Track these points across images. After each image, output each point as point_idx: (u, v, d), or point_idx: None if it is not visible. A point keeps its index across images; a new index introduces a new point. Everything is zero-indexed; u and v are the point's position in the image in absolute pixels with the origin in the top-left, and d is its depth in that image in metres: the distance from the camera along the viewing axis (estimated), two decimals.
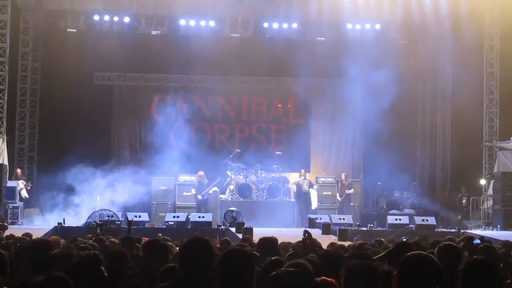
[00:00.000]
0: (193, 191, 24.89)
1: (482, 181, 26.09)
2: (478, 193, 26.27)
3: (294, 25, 27.11)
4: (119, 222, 21.33)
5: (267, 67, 27.80)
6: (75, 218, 22.79)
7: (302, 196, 25.63)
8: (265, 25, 27.12)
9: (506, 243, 10.76)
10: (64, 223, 21.06)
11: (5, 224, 19.63)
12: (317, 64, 27.01)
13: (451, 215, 26.86)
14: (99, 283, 5.38)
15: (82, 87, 26.91)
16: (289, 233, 17.47)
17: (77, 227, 20.80)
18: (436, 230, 22.42)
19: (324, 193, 26.07)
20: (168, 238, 11.90)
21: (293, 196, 26.14)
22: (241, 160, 26.31)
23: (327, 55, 27.04)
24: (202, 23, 26.76)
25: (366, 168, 28.54)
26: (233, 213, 23.30)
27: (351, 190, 25.96)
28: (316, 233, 16.46)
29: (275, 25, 27.02)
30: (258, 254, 6.79)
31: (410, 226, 23.20)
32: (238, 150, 26.52)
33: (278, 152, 27.37)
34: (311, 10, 26.47)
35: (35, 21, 26.62)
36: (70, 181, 24.25)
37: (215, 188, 25.19)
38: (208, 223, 22.52)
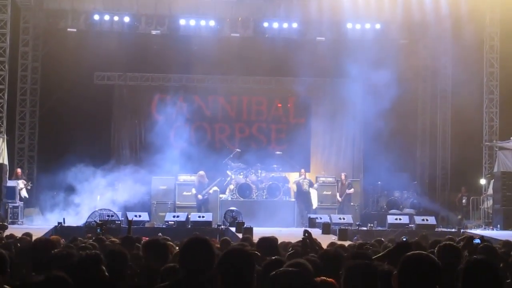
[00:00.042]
0: (194, 191, 24.88)
1: (482, 181, 26.09)
2: (478, 192, 26.27)
3: (294, 25, 27.10)
4: (119, 222, 21.35)
5: (267, 67, 27.80)
6: (76, 218, 22.79)
7: (302, 196, 25.63)
8: (265, 24, 27.12)
9: (506, 243, 10.76)
10: (64, 222, 21.07)
11: (5, 223, 19.67)
12: (317, 63, 27.01)
13: (451, 215, 26.86)
14: (100, 282, 5.38)
15: (82, 87, 26.90)
16: (289, 233, 17.46)
17: (77, 227, 20.81)
18: (436, 229, 22.42)
19: (324, 192, 26.07)
20: (168, 237, 11.89)
21: (293, 196, 26.14)
22: (241, 159, 26.30)
23: (327, 55, 27.07)
24: (202, 22, 26.75)
25: (366, 168, 28.53)
26: (233, 213, 23.30)
27: (352, 190, 25.95)
28: (316, 232, 16.44)
29: (275, 25, 27.02)
30: (259, 254, 6.78)
31: (410, 225, 23.20)
32: (238, 149, 26.52)
33: (278, 152, 27.36)
34: (311, 9, 26.47)
35: (35, 21, 26.62)
36: (70, 181, 24.26)
37: (215, 188, 25.19)
38: (208, 223, 22.52)
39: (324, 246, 9.25)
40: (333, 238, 18.49)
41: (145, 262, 6.77)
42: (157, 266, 6.38)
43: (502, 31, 25.55)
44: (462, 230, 22.05)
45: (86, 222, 21.23)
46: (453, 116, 28.06)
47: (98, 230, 13.99)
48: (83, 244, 9.02)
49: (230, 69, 27.61)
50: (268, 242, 8.06)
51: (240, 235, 17.90)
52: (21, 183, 23.95)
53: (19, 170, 24.83)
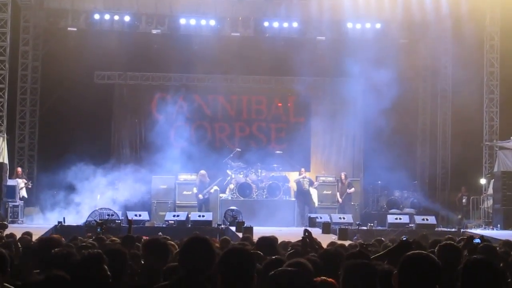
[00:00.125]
0: (195, 190, 24.87)
1: (482, 181, 26.08)
2: (478, 192, 26.26)
3: (295, 24, 27.10)
4: (119, 221, 21.36)
5: (268, 66, 27.81)
6: (76, 217, 22.80)
7: (303, 195, 25.63)
8: (266, 24, 27.12)
9: (506, 243, 10.75)
10: (64, 222, 21.07)
11: (5, 222, 19.67)
12: (318, 63, 27.03)
13: (451, 215, 26.86)
14: (102, 281, 5.38)
15: (82, 86, 26.89)
16: (289, 232, 17.48)
17: (77, 226, 20.83)
18: (436, 229, 22.43)
19: (324, 192, 26.07)
20: (168, 237, 11.89)
21: (293, 195, 26.15)
22: (242, 159, 26.30)
23: (328, 54, 27.10)
24: (203, 22, 26.75)
25: (366, 167, 28.54)
26: (233, 212, 23.30)
27: (352, 189, 25.94)
28: (316, 232, 16.45)
29: (276, 24, 27.02)
30: (261, 253, 6.78)
31: (410, 225, 23.20)
32: (238, 149, 26.52)
33: (278, 151, 27.35)
34: (312, 9, 26.47)
35: (36, 20, 26.62)
36: (70, 180, 24.27)
37: (216, 187, 25.19)
38: (208, 222, 22.52)
39: (324, 245, 9.25)
40: (333, 237, 18.48)
41: (145, 262, 6.77)
42: (157, 265, 6.38)
43: (503, 31, 25.55)
44: (462, 230, 22.07)
45: (86, 221, 21.25)
46: (453, 116, 28.06)
47: (98, 230, 13.99)
48: (84, 244, 9.02)
49: (231, 68, 27.61)
50: (268, 242, 8.05)
51: (240, 235, 17.89)
52: (21, 182, 23.96)
53: (19, 169, 24.84)
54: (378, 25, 27.33)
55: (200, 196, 24.70)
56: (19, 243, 9.82)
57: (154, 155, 25.73)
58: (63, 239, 11.69)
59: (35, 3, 26.20)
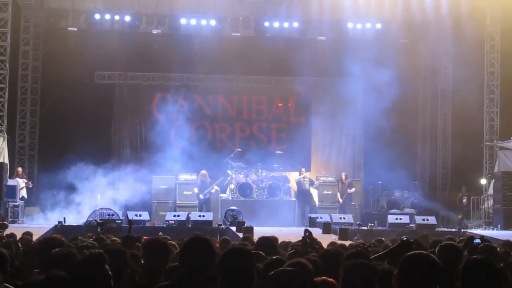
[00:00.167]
0: (196, 190, 24.88)
1: (483, 181, 26.08)
2: (478, 192, 26.26)
3: (295, 24, 27.10)
4: (119, 221, 21.36)
5: (268, 66, 27.82)
6: (77, 216, 22.81)
7: (303, 195, 25.63)
8: (266, 24, 27.12)
9: (506, 243, 10.75)
10: (64, 222, 21.07)
11: (6, 222, 19.67)
12: (318, 63, 27.05)
13: (452, 215, 26.86)
14: (103, 281, 5.39)
15: (83, 86, 26.90)
16: (289, 232, 17.48)
17: (78, 226, 20.84)
18: (437, 229, 22.42)
19: (325, 192, 26.07)
20: (168, 237, 11.89)
21: (293, 195, 26.15)
22: (242, 159, 26.31)
23: (328, 54, 27.11)
24: (203, 22, 26.75)
25: (367, 167, 28.54)
26: (234, 212, 23.30)
27: (353, 189, 25.95)
28: (316, 232, 16.46)
29: (276, 24, 27.02)
30: (263, 254, 6.78)
31: (410, 225, 23.19)
32: (238, 149, 26.53)
33: (278, 151, 27.35)
34: (312, 9, 26.47)
35: (36, 20, 26.62)
36: (70, 180, 24.27)
37: (217, 187, 25.20)
38: (209, 222, 22.52)
39: (325, 245, 9.25)
40: (333, 237, 18.48)
41: (145, 261, 6.77)
42: (157, 265, 6.38)
43: (503, 31, 25.53)
44: (462, 230, 22.06)
45: (87, 221, 21.25)
46: (453, 116, 28.07)
47: (99, 230, 13.98)
48: (84, 244, 9.02)
49: (231, 68, 27.62)
50: (268, 242, 8.05)
51: (240, 235, 17.89)
52: (21, 182, 23.97)
53: (19, 169, 24.85)
54: (378, 25, 27.33)
55: (201, 196, 24.71)
56: (19, 243, 9.81)
57: (155, 155, 25.74)
58: (64, 239, 11.71)
59: (36, 3, 26.20)
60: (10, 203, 22.67)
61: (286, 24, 27.03)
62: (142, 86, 28.39)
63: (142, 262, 7.14)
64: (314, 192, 26.05)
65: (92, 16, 26.39)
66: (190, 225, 22.28)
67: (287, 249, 8.46)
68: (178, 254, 6.20)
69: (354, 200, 26.19)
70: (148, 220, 23.14)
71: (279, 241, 10.05)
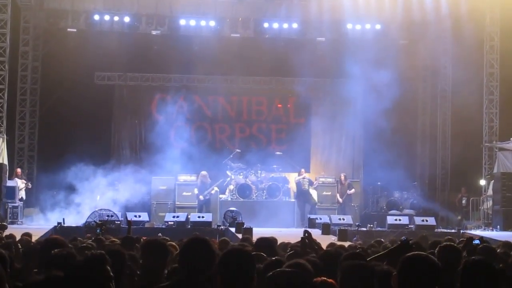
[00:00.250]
0: (196, 191, 24.88)
1: (482, 182, 26.08)
2: (478, 193, 26.27)
3: (295, 25, 27.10)
4: (118, 222, 21.36)
5: (268, 67, 27.83)
6: (77, 217, 22.79)
7: (303, 195, 25.63)
8: (266, 25, 27.12)
9: (505, 244, 10.75)
10: (63, 223, 21.06)
11: (5, 223, 19.65)
12: (317, 64, 27.04)
13: (451, 216, 26.86)
14: (104, 282, 5.39)
15: (82, 87, 26.90)
16: (289, 233, 17.47)
17: (77, 227, 20.80)
18: (436, 230, 22.39)
19: (324, 193, 26.04)
20: (167, 238, 11.89)
21: (293, 196, 26.14)
22: (242, 160, 26.31)
23: (327, 55, 27.11)
24: (203, 23, 26.75)
25: (366, 168, 28.54)
26: (233, 213, 23.29)
27: (352, 190, 25.95)
28: (316, 233, 16.45)
29: (276, 25, 27.03)
30: (264, 254, 6.77)
31: (409, 226, 23.17)
32: (238, 150, 26.53)
33: (278, 152, 27.34)
34: (312, 10, 26.48)
35: (36, 21, 26.63)
36: (70, 181, 24.25)
37: (216, 188, 25.20)
38: (208, 223, 22.51)
39: (324, 246, 9.26)
40: (332, 238, 18.48)
41: (144, 262, 6.76)
42: (156, 266, 6.38)
43: (502, 31, 25.54)
44: (462, 231, 22.05)
45: (86, 222, 21.24)
46: (453, 117, 28.07)
47: (98, 231, 13.97)
48: (84, 244, 9.02)
49: (231, 69, 27.63)
50: (267, 242, 8.05)
51: (239, 236, 17.89)
52: (20, 183, 23.95)
53: (19, 170, 24.84)
54: (378, 26, 27.34)
55: (201, 197, 24.72)
56: (19, 244, 9.81)
57: (154, 156, 25.73)
58: (65, 240, 11.70)
59: (35, 3, 26.20)
60: (9, 204, 22.66)
61: (285, 25, 27.04)
62: (141, 87, 28.39)
63: (141, 262, 7.14)
64: (314, 193, 26.05)
65: (91, 16, 26.38)
66: (189, 226, 22.25)
67: (286, 250, 8.46)
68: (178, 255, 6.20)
69: (354, 201, 26.18)
70: (148, 221, 23.12)
71: (279, 242, 10.06)
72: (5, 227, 18.02)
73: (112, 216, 21.60)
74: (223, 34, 27.05)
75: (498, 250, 9.00)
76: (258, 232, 17.72)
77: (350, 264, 5.36)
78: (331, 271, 5.56)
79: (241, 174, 25.83)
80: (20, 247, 9.44)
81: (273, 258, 5.89)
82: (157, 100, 28.21)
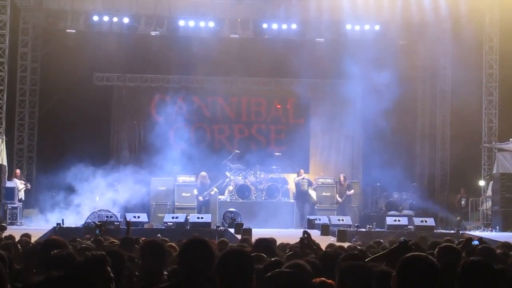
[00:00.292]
0: (195, 192, 24.88)
1: (481, 182, 26.09)
2: (477, 194, 26.27)
3: (294, 26, 27.10)
4: (118, 223, 21.34)
5: (267, 68, 27.84)
6: (77, 218, 22.78)
7: (302, 196, 25.63)
8: (265, 25, 27.12)
9: (505, 244, 10.76)
10: (63, 223, 21.06)
11: (4, 224, 19.65)
12: (317, 64, 27.05)
13: (450, 216, 26.86)
14: (104, 284, 5.39)
15: (81, 88, 26.92)
16: (288, 234, 17.48)
17: (76, 228, 20.80)
18: (435, 231, 22.38)
19: (323, 194, 26.03)
20: (166, 239, 11.89)
21: (292, 197, 26.13)
22: (241, 161, 26.31)
23: (327, 56, 27.11)
24: (202, 23, 26.75)
25: (365, 169, 28.54)
26: (232, 214, 23.28)
27: (352, 191, 25.96)
28: (315, 234, 16.46)
29: (275, 26, 27.02)
30: (264, 255, 6.78)
31: (409, 227, 23.15)
32: (237, 151, 26.53)
33: (277, 153, 27.34)
34: (311, 10, 26.46)
35: (35, 22, 26.62)
36: (69, 181, 24.25)
37: (216, 189, 25.20)
38: (207, 224, 22.50)
39: (323, 247, 9.26)
40: (332, 239, 18.47)
41: (142, 263, 6.77)
42: (154, 266, 6.38)
43: (502, 32, 25.55)
44: (461, 232, 22.05)
45: (85, 223, 21.22)
46: (452, 117, 28.07)
47: (97, 231, 13.98)
48: (84, 245, 9.02)
49: (230, 70, 27.64)
50: (266, 243, 8.06)
51: (239, 236, 17.89)
52: (19, 184, 23.95)
53: (18, 171, 24.84)
54: (377, 27, 27.33)
55: (200, 198, 24.71)
56: (19, 245, 9.81)
57: (153, 157, 25.72)
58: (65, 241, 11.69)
59: (34, 4, 26.19)
60: (8, 205, 22.65)
61: (284, 26, 27.04)
62: (140, 88, 28.39)
63: (140, 264, 7.14)
64: (313, 193, 26.04)
65: (90, 17, 26.38)
66: (188, 227, 22.24)
67: (285, 251, 8.46)
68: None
69: (353, 201, 26.19)
70: (147, 222, 23.10)
71: (278, 243, 10.06)
72: (4, 228, 18.04)
73: (111, 217, 21.59)
74: (222, 35, 27.05)
75: (497, 251, 9.00)
76: (257, 233, 17.71)
77: (348, 265, 5.36)
78: (330, 272, 5.57)
79: (240, 175, 25.83)
80: (20, 248, 9.44)
81: (273, 259, 5.89)
82: (156, 101, 28.22)
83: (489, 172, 25.67)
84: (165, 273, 6.47)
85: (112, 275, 5.56)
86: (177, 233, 19.54)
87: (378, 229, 23.08)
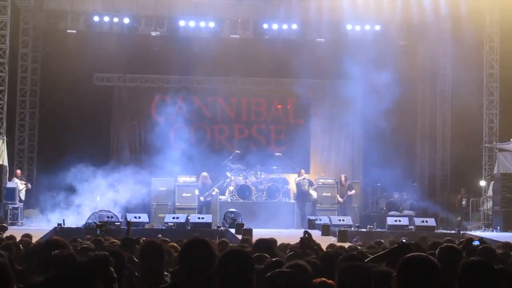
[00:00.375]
0: (197, 192, 24.89)
1: (482, 183, 26.08)
2: (478, 194, 26.27)
3: (294, 26, 27.10)
4: (118, 223, 21.34)
5: (267, 68, 27.83)
6: (77, 218, 22.78)
7: (303, 196, 25.62)
8: (265, 26, 27.13)
9: (505, 245, 10.76)
10: (63, 224, 21.06)
11: (5, 225, 19.66)
12: (317, 64, 27.05)
13: (451, 216, 26.85)
14: (106, 284, 5.40)
15: (81, 88, 26.93)
16: (288, 234, 17.47)
17: (77, 228, 20.81)
18: (436, 231, 22.38)
19: (324, 194, 26.03)
20: (167, 239, 11.89)
21: (292, 197, 26.13)
22: (241, 161, 26.31)
23: (327, 56, 27.10)
24: (202, 24, 26.75)
25: (366, 169, 28.53)
26: (233, 214, 23.29)
27: (353, 191, 25.95)
28: (315, 234, 16.46)
29: (275, 26, 27.03)
30: (266, 255, 6.78)
31: (409, 227, 23.15)
32: (237, 151, 26.53)
33: (277, 153, 27.33)
34: (311, 11, 26.46)
35: (35, 22, 26.63)
36: (70, 182, 24.25)
37: (216, 190, 25.20)
38: (208, 224, 22.50)
39: (324, 247, 9.26)
40: (332, 239, 18.47)
41: (142, 264, 6.77)
42: (154, 267, 6.38)
43: (502, 32, 25.55)
44: (461, 232, 22.04)
45: (86, 223, 21.23)
46: (452, 117, 28.07)
47: (98, 232, 13.99)
48: (85, 245, 9.02)
49: (230, 70, 27.65)
50: (266, 244, 8.05)
51: (239, 237, 17.89)
52: (20, 184, 23.95)
53: (18, 171, 24.85)
54: (377, 27, 27.32)
55: (202, 198, 24.72)
56: (21, 245, 9.81)
57: (154, 157, 25.71)
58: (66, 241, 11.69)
59: (35, 5, 26.20)
60: (9, 205, 22.65)
61: (285, 26, 27.03)
62: (141, 88, 28.39)
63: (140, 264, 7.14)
64: (313, 194, 26.03)
65: (91, 18, 26.38)
66: (189, 227, 22.24)
67: (286, 251, 8.46)
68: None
69: (353, 202, 26.19)
70: (147, 222, 23.11)
71: (278, 243, 10.06)
72: (5, 229, 18.05)
73: (112, 217, 21.60)
74: (223, 35, 27.05)
75: (498, 251, 9.00)
76: (258, 233, 17.70)
77: (348, 265, 5.36)
78: (330, 272, 5.57)
79: (241, 175, 25.82)
80: (22, 248, 9.45)
81: (273, 259, 5.89)
82: (156, 101, 28.22)
83: (489, 172, 25.66)
84: (166, 273, 6.47)
85: (115, 275, 5.57)
86: (178, 234, 19.54)
87: (379, 229, 23.07)
